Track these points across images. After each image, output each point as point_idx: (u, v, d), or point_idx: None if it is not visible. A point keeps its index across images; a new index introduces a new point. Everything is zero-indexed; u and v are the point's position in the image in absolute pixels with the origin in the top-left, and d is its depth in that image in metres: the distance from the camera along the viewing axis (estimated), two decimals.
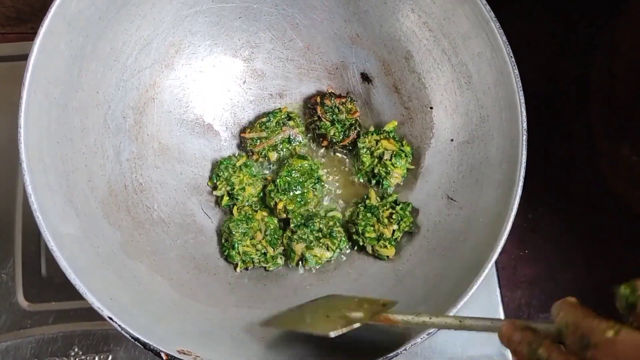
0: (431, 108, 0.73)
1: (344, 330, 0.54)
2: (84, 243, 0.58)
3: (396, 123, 0.76)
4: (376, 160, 0.74)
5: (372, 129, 0.77)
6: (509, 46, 0.62)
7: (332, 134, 0.77)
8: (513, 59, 0.62)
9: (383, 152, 0.74)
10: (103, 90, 0.65)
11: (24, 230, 0.78)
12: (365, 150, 0.75)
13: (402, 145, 0.75)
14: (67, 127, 0.61)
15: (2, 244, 0.78)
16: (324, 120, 0.76)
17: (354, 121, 0.77)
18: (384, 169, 0.74)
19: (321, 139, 0.78)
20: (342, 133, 0.77)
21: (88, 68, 0.63)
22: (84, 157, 0.62)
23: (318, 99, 0.77)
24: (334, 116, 0.76)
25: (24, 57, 0.56)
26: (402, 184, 0.76)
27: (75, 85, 0.61)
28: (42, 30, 0.56)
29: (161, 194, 0.71)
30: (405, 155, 0.74)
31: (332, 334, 0.54)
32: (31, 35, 0.99)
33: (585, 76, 1.02)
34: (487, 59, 0.65)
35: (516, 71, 0.62)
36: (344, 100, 0.77)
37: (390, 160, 0.73)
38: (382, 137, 0.75)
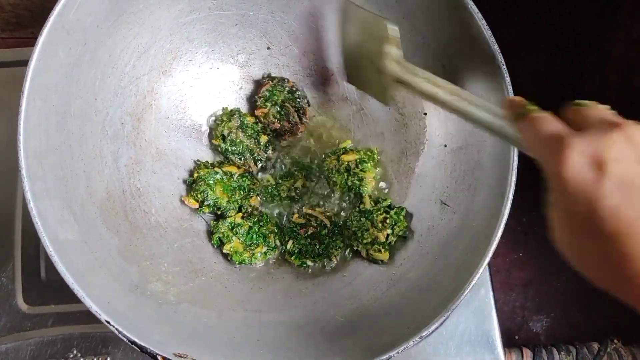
0: (425, 114, 0.74)
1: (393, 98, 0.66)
2: (82, 248, 0.59)
3: (350, 142, 0.78)
4: (346, 174, 0.75)
5: (345, 143, 0.79)
6: (500, 54, 0.63)
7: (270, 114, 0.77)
8: (505, 67, 0.63)
9: (348, 164, 0.75)
10: (101, 97, 0.66)
11: (23, 234, 0.79)
12: (332, 171, 0.76)
13: (360, 151, 0.77)
14: (66, 134, 0.61)
15: (2, 247, 0.78)
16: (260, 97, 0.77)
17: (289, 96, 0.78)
18: (356, 178, 0.75)
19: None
20: (280, 114, 0.78)
21: (86, 75, 0.63)
22: (82, 163, 0.63)
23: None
24: (269, 102, 0.77)
25: (23, 63, 0.57)
26: (375, 181, 0.77)
27: (73, 92, 0.62)
28: (41, 39, 0.56)
29: (158, 199, 0.72)
30: (369, 158, 0.76)
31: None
32: (31, 40, 1.00)
33: (578, 80, 1.03)
34: (479, 66, 0.65)
35: (508, 79, 0.62)
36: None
37: (358, 167, 0.75)
38: (340, 153, 0.77)
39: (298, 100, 0.78)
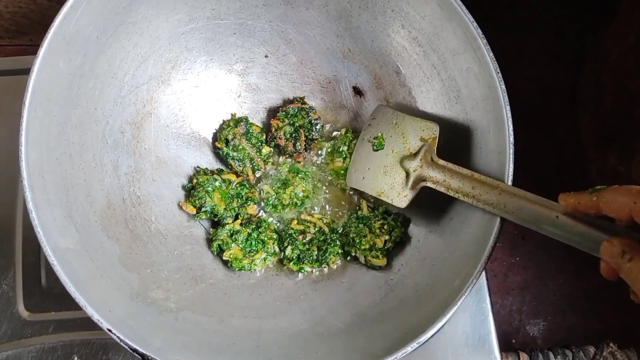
0: None
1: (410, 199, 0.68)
2: (83, 256, 0.59)
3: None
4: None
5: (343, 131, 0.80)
6: (495, 62, 0.63)
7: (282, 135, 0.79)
8: (500, 75, 0.63)
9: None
10: (101, 106, 0.67)
11: (24, 241, 0.79)
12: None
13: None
14: (67, 144, 0.62)
15: (3, 255, 0.79)
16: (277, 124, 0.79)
17: (305, 123, 0.79)
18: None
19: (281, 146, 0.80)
20: (291, 135, 0.78)
21: (86, 85, 0.64)
22: (83, 172, 0.64)
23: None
24: (288, 119, 0.79)
25: (23, 72, 0.57)
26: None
27: (74, 102, 0.63)
28: (42, 51, 0.57)
29: (158, 206, 0.73)
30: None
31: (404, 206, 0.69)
32: (30, 48, 1.01)
33: (574, 86, 1.04)
34: (475, 74, 0.66)
35: (503, 86, 0.63)
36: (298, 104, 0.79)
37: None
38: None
39: (313, 133, 0.79)
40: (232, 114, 0.80)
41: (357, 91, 0.79)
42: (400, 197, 0.68)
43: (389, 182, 0.69)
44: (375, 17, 0.72)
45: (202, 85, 0.78)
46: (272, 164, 0.81)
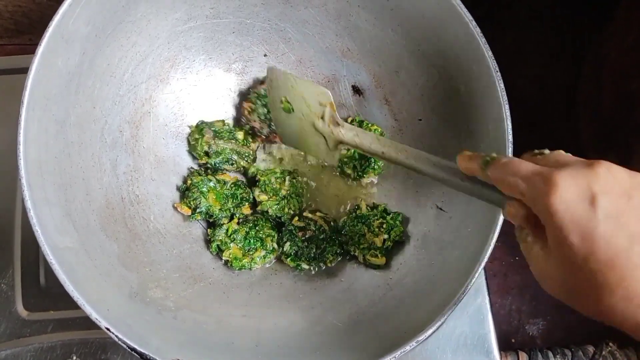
0: (420, 120, 0.75)
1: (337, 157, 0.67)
2: (82, 255, 0.59)
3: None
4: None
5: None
6: (494, 61, 0.63)
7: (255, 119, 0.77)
8: (499, 74, 0.63)
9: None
10: (100, 105, 0.67)
11: (23, 240, 0.79)
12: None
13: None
14: (65, 142, 0.62)
15: (2, 254, 0.79)
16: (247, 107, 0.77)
17: None
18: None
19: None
20: (265, 116, 0.76)
21: (85, 84, 0.64)
22: (81, 171, 0.64)
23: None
24: (260, 100, 0.76)
25: (22, 71, 0.57)
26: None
27: (72, 101, 0.63)
28: (40, 49, 0.57)
29: (157, 205, 0.73)
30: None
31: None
32: (29, 47, 1.01)
33: (574, 86, 1.04)
34: (474, 73, 0.66)
35: (502, 85, 0.63)
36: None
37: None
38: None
39: None
40: (189, 126, 0.78)
41: (357, 90, 0.79)
42: (328, 155, 0.66)
43: (315, 141, 0.66)
44: (374, 16, 0.72)
45: (200, 84, 0.78)
46: (253, 140, 0.79)
